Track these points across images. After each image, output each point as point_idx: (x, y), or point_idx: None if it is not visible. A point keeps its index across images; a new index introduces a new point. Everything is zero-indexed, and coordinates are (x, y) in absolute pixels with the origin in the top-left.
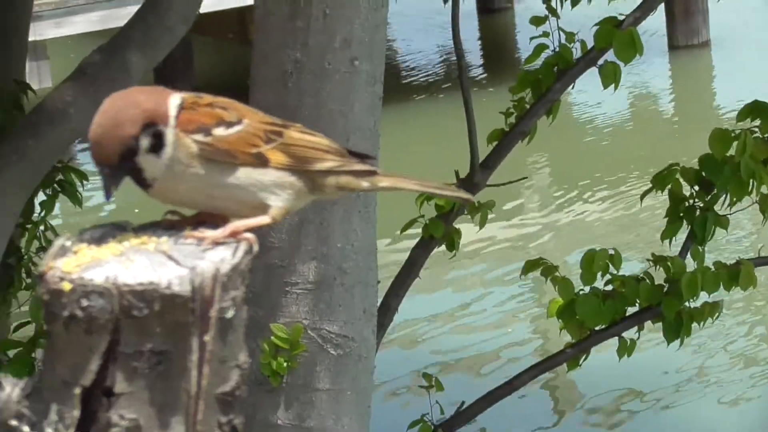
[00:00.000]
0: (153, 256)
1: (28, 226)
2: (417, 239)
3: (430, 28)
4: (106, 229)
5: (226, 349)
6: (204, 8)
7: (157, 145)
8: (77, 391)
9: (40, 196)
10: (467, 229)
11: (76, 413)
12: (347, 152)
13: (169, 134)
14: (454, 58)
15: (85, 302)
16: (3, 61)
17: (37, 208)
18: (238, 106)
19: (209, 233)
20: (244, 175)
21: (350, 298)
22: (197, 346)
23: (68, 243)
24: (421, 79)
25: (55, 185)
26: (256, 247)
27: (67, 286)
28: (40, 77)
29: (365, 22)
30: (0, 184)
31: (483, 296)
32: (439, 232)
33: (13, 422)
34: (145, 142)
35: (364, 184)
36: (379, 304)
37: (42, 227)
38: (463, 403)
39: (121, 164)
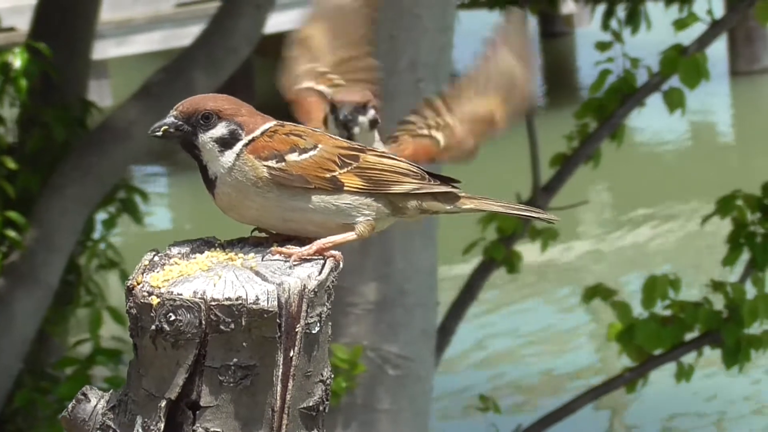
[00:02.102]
0: (240, 271)
1: (89, 243)
2: (475, 261)
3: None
4: (194, 244)
5: (310, 364)
6: (266, 30)
7: (224, 142)
8: (163, 403)
9: (101, 215)
10: (525, 252)
11: (161, 426)
12: (429, 175)
13: (239, 145)
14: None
15: (172, 316)
16: (67, 79)
17: (98, 226)
18: (317, 134)
19: (296, 250)
20: (318, 199)
21: (410, 319)
22: (282, 360)
23: (157, 258)
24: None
25: (118, 203)
26: (341, 264)
27: (155, 300)
28: (101, 95)
29: (431, 44)
30: (61, 202)
31: (540, 318)
32: (500, 254)
33: None
34: (221, 129)
35: (448, 206)
36: (438, 325)
37: (103, 245)
38: (519, 425)
39: (187, 124)
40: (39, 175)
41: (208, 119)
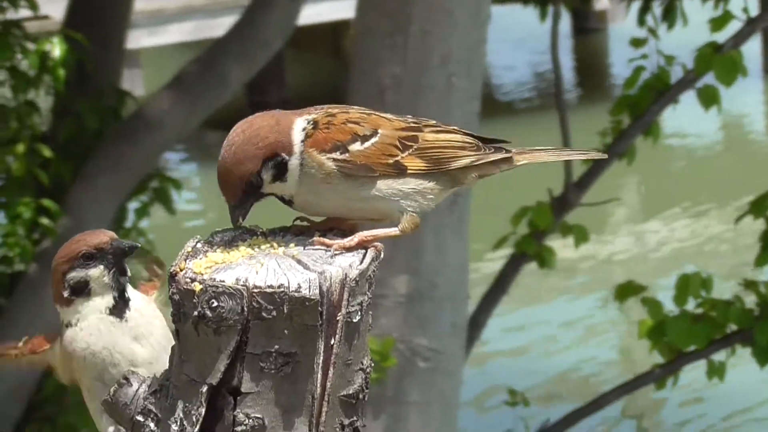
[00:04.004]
0: (282, 260)
1: (120, 232)
2: (506, 255)
3: (521, 47)
4: (237, 232)
5: (351, 352)
6: (298, 22)
7: (280, 174)
8: (204, 389)
9: (134, 203)
10: (556, 247)
11: (202, 411)
12: (482, 141)
13: (294, 160)
14: (547, 76)
15: (215, 303)
16: (100, 68)
17: (130, 215)
18: (371, 117)
19: (338, 241)
20: (384, 185)
21: (440, 312)
22: (323, 348)
23: (199, 245)
24: (514, 97)
25: (151, 193)
26: (382, 255)
27: (198, 286)
28: (133, 85)
29: (464, 39)
30: (93, 191)
31: (569, 314)
32: (532, 249)
33: (139, 418)
34: (267, 175)
35: (504, 167)
36: (468, 318)
37: (134, 234)
38: (548, 420)
39: (247, 198)
40: (72, 164)
41: (251, 184)
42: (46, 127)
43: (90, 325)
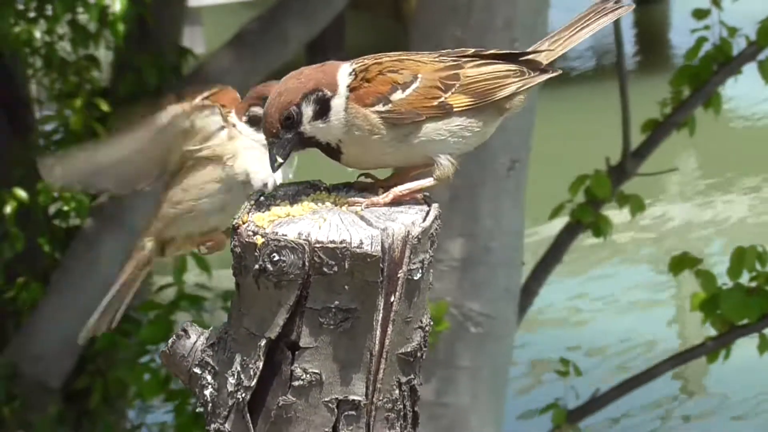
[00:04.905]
0: (345, 215)
1: None
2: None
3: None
4: (300, 187)
5: (411, 310)
6: None
7: (323, 110)
8: (263, 342)
9: None
10: (612, 217)
11: (260, 364)
12: (521, 62)
13: (338, 100)
14: (608, 45)
15: (276, 257)
16: (161, 24)
17: None
18: (407, 62)
19: (370, 199)
20: (431, 128)
21: (494, 278)
22: (383, 305)
23: (263, 198)
24: (575, 65)
25: None
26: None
27: (260, 240)
28: (193, 42)
29: (528, 4)
30: None
31: (623, 285)
32: (588, 217)
33: (196, 370)
34: (308, 110)
35: (544, 77)
36: (521, 285)
37: None
38: (598, 389)
39: (286, 133)
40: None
41: (290, 118)
42: (106, 82)
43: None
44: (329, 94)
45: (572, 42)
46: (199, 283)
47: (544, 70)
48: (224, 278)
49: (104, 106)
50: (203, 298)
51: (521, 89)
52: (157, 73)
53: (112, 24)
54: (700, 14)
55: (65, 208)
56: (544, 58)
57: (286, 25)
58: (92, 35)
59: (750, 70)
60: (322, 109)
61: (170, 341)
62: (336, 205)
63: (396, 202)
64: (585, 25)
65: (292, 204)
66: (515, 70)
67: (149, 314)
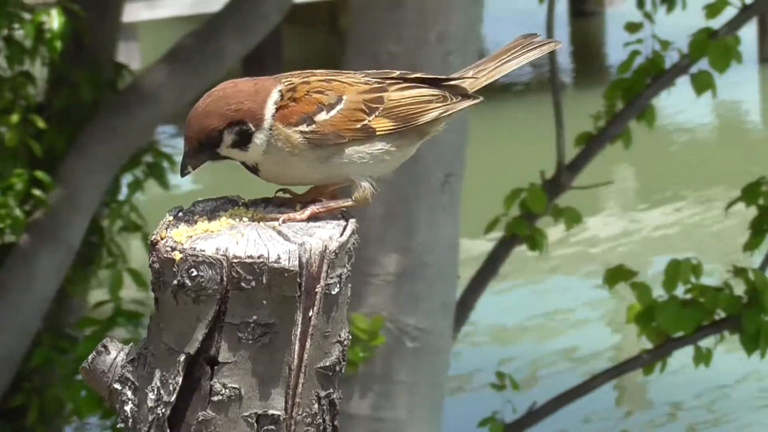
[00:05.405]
0: (263, 230)
1: (113, 205)
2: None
3: (518, 28)
4: (219, 202)
5: (329, 324)
6: None
7: (241, 142)
8: (182, 358)
9: (127, 177)
10: (547, 230)
11: (179, 380)
12: (446, 88)
13: (260, 135)
14: (543, 58)
15: (194, 272)
16: (97, 40)
17: (124, 189)
18: (334, 83)
19: (287, 215)
20: (354, 151)
21: (430, 292)
22: (301, 320)
23: (181, 214)
24: (510, 79)
25: (144, 167)
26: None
27: (178, 255)
28: (129, 58)
29: (461, 17)
30: (87, 162)
31: (558, 297)
32: (523, 230)
33: (116, 386)
34: (228, 138)
35: (466, 104)
36: (457, 299)
37: (127, 208)
38: (535, 402)
39: (202, 150)
40: (66, 135)
41: (209, 140)
42: (41, 98)
43: None
44: (253, 129)
45: (498, 73)
46: (135, 299)
47: (466, 97)
48: None
49: (40, 123)
50: (140, 314)
51: (443, 115)
52: (92, 88)
53: (49, 41)
54: (632, 28)
55: (0, 225)
56: (468, 85)
57: (222, 40)
58: (28, 51)
59: (684, 82)
60: (243, 140)
61: (90, 357)
62: (254, 221)
63: (311, 218)
64: (511, 57)
65: (210, 219)
66: (438, 95)
67: (86, 331)
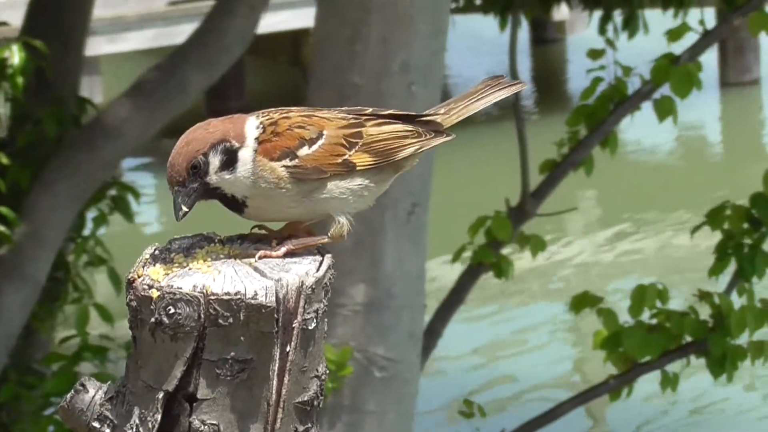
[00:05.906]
0: (239, 267)
1: (78, 240)
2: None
3: (480, 55)
4: (195, 239)
5: (306, 359)
6: (258, 30)
7: (229, 161)
8: (160, 395)
9: (92, 212)
10: (512, 257)
11: (158, 417)
12: (419, 123)
13: (246, 152)
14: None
15: (172, 309)
16: (60, 75)
17: (88, 224)
18: (314, 119)
19: (264, 251)
20: (334, 186)
21: (397, 322)
22: (279, 355)
23: (157, 252)
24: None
25: (109, 201)
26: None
27: (155, 293)
28: (92, 92)
29: (423, 48)
30: (51, 198)
31: (525, 324)
32: (489, 258)
33: (95, 424)
34: (215, 159)
35: (440, 140)
36: (424, 328)
37: (92, 242)
38: (503, 430)
39: (192, 182)
40: (30, 171)
41: (196, 167)
42: (4, 133)
43: None
44: (237, 145)
45: (467, 112)
46: (102, 333)
47: (439, 133)
48: (127, 329)
49: (3, 159)
50: (106, 349)
51: (419, 151)
52: (56, 124)
53: (11, 76)
54: (595, 54)
55: None
56: (441, 121)
57: (185, 73)
58: None
59: (648, 109)
60: (230, 159)
61: (68, 396)
62: (230, 257)
63: (288, 255)
64: (480, 97)
65: (186, 256)
66: (412, 131)
67: (53, 366)
